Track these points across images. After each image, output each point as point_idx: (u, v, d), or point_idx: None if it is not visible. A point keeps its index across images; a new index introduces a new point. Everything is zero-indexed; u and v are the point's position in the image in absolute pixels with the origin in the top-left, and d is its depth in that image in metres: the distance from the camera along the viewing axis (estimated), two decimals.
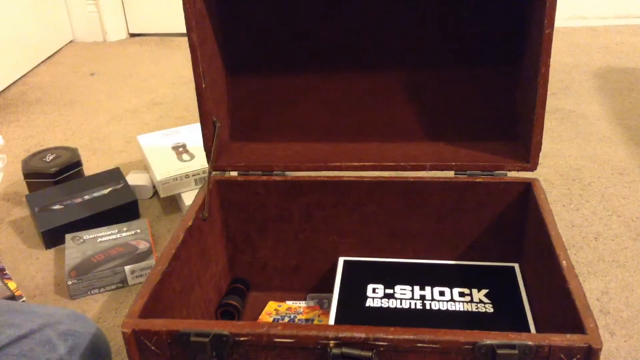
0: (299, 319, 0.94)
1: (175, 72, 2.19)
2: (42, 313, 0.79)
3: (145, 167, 1.47)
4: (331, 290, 0.90)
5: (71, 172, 1.41)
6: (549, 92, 0.83)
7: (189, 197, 1.30)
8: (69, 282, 1.10)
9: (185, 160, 1.34)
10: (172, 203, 1.38)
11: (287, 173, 0.94)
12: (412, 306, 0.86)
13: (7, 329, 0.73)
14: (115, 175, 1.40)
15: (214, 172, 0.94)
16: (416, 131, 0.96)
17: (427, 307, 0.86)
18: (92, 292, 1.12)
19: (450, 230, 0.94)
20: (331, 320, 0.85)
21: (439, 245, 0.96)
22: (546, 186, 1.38)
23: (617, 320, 1.00)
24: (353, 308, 0.87)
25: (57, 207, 1.30)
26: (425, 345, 0.60)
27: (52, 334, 0.76)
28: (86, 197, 1.33)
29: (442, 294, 0.88)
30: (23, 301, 1.07)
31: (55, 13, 2.46)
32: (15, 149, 1.69)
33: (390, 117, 0.96)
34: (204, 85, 0.88)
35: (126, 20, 2.58)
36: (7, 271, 1.16)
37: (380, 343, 0.60)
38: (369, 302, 0.88)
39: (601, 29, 2.39)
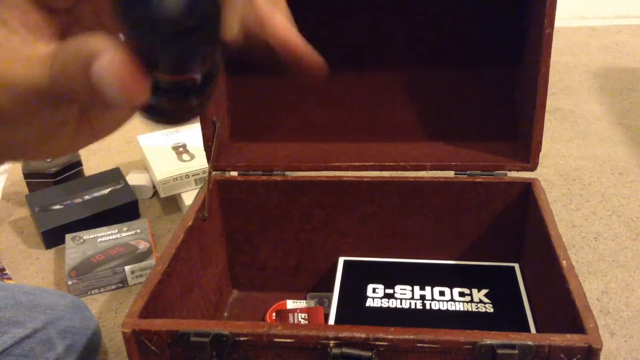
0: None
1: None
2: (46, 306, 0.83)
3: (145, 167, 1.47)
4: (331, 290, 0.90)
5: (71, 172, 1.41)
6: (549, 92, 0.83)
7: (189, 197, 1.30)
8: (69, 282, 1.10)
9: (185, 160, 1.34)
10: (172, 203, 1.38)
11: (287, 173, 0.94)
12: (412, 306, 0.86)
13: (12, 328, 0.77)
14: (115, 175, 1.40)
15: (214, 172, 0.94)
16: (416, 131, 0.96)
17: (427, 307, 0.86)
18: (92, 292, 1.12)
19: (450, 230, 0.94)
20: (331, 320, 0.85)
21: (439, 245, 0.96)
22: (546, 186, 1.38)
23: (617, 320, 1.00)
24: (353, 308, 0.87)
25: (57, 207, 1.30)
26: (425, 345, 0.60)
27: (52, 332, 0.80)
28: (86, 197, 1.33)
29: (442, 294, 0.88)
30: None
31: None
32: None
33: (390, 117, 0.96)
34: None
35: None
36: (7, 271, 1.16)
37: (380, 343, 0.60)
38: (369, 302, 0.87)
39: (601, 29, 2.39)
